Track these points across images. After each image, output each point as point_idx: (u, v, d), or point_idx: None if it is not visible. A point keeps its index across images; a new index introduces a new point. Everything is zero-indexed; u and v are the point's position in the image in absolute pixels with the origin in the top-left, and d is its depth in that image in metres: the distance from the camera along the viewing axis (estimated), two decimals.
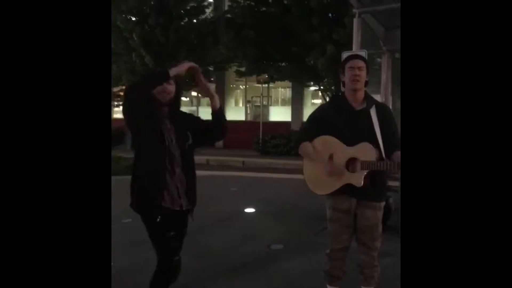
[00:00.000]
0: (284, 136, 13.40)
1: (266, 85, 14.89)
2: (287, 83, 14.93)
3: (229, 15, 13.29)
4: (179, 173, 2.12)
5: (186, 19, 14.44)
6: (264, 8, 12.57)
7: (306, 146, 2.34)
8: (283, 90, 16.98)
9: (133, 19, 13.65)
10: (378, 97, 4.74)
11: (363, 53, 4.18)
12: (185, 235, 2.25)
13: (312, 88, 14.58)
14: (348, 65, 2.29)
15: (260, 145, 13.72)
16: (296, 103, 15.62)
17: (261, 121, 14.26)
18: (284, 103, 17.11)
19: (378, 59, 5.40)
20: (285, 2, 11.83)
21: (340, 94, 2.46)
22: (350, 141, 2.23)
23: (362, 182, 2.20)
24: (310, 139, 2.34)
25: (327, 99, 12.91)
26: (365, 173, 2.19)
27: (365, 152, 2.20)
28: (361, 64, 2.29)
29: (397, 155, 2.19)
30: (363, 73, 2.28)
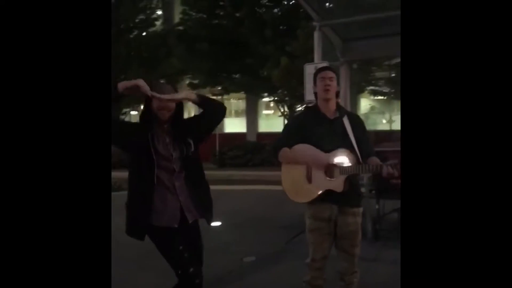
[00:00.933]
0: (241, 148, 13.44)
1: (220, 97, 14.89)
2: (241, 94, 15.05)
3: (180, 28, 13.20)
4: (180, 186, 2.07)
5: (136, 32, 14.16)
6: (216, 21, 12.64)
7: (285, 151, 2.36)
8: (237, 102, 17.07)
9: None
10: None
11: (325, 65, 4.32)
12: (200, 246, 2.25)
13: (266, 99, 14.78)
14: (319, 76, 2.38)
15: (217, 157, 13.63)
16: (251, 114, 15.77)
17: (217, 133, 14.19)
18: (238, 114, 17.19)
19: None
20: (238, 15, 11.98)
21: (312, 104, 2.53)
22: (326, 149, 2.29)
23: (342, 187, 2.25)
24: (288, 146, 2.36)
25: (282, 110, 13.17)
26: (344, 178, 2.25)
27: (343, 157, 2.27)
28: (332, 74, 2.38)
29: (373, 160, 2.30)
30: (334, 83, 2.37)
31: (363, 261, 3.61)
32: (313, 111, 2.44)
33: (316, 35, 4.48)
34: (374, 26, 4.74)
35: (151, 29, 14.44)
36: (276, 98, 13.11)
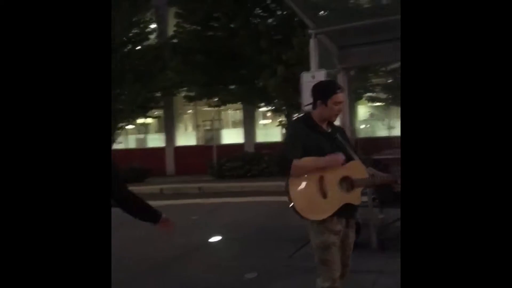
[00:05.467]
0: (239, 159, 13.32)
1: (217, 108, 14.85)
2: (237, 105, 14.99)
3: (175, 40, 13.18)
4: None
5: (130, 47, 14.14)
6: (211, 32, 12.63)
7: (298, 164, 2.15)
8: (233, 112, 17.01)
9: None
10: None
11: (323, 73, 4.24)
12: None
13: (263, 109, 14.73)
14: (333, 99, 2.24)
15: (216, 169, 13.50)
16: (248, 125, 15.69)
17: (214, 145, 14.09)
18: (235, 125, 17.12)
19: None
20: (232, 26, 11.98)
21: (304, 115, 2.42)
22: None
23: (360, 200, 2.23)
24: (298, 156, 2.19)
25: (280, 119, 13.11)
26: (360, 191, 2.23)
27: (357, 169, 2.22)
28: (344, 97, 2.33)
29: (375, 171, 2.33)
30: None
31: (369, 274, 3.51)
32: (308, 122, 2.32)
33: (312, 42, 4.42)
34: (370, 32, 4.69)
35: (146, 43, 14.43)
36: (273, 108, 13.05)
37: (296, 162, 2.15)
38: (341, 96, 2.26)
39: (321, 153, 2.20)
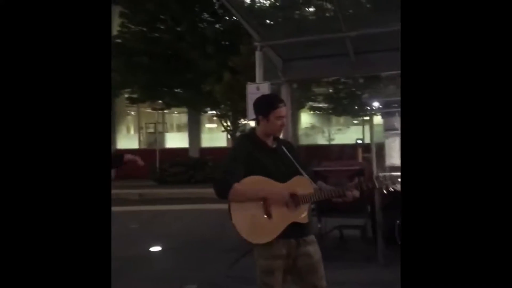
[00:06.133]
0: (182, 164, 13.09)
1: (161, 111, 14.52)
2: (183, 108, 14.77)
3: (119, 40, 12.71)
4: None
5: None
6: (156, 34, 12.35)
7: (236, 190, 2.04)
8: (178, 116, 16.73)
9: None
10: None
11: (267, 85, 4.31)
12: None
13: (209, 113, 14.65)
14: (275, 113, 2.19)
15: (158, 174, 13.16)
16: (193, 129, 15.51)
17: (157, 149, 13.74)
18: (180, 128, 16.85)
19: None
20: (179, 29, 11.80)
21: (248, 132, 2.38)
22: (276, 178, 2.13)
23: (307, 217, 2.11)
24: (238, 180, 2.09)
25: (225, 124, 13.09)
26: (307, 207, 2.13)
27: (303, 185, 2.13)
28: (286, 111, 2.25)
29: (322, 185, 2.25)
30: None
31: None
32: (252, 139, 2.26)
33: (257, 54, 4.49)
34: (314, 47, 4.85)
35: None
36: (218, 113, 13.02)
37: (237, 186, 2.04)
38: (283, 110, 2.19)
39: (264, 171, 2.13)
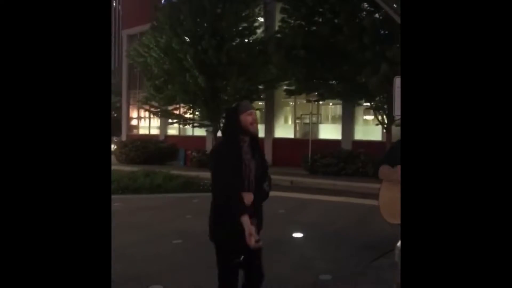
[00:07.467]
0: (334, 155, 13.16)
1: (316, 103, 14.80)
2: (337, 100, 14.74)
3: (279, 35, 13.45)
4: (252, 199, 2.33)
5: (238, 40, 14.81)
6: (314, 28, 12.59)
7: (380, 169, 2.37)
8: (333, 107, 16.76)
9: (188, 40, 14.23)
10: None
11: None
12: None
13: (364, 105, 14.26)
14: None
15: (309, 164, 13.56)
16: (347, 121, 15.33)
17: (310, 139, 14.13)
18: (334, 120, 16.88)
19: None
20: (336, 21, 11.78)
21: None
22: None
23: None
24: (392, 164, 2.34)
25: (380, 117, 12.58)
26: None
27: None
28: None
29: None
30: None
31: None
32: None
33: None
34: None
35: (252, 37, 14.98)
36: (373, 105, 12.57)
37: (382, 167, 2.36)
38: None
39: None
